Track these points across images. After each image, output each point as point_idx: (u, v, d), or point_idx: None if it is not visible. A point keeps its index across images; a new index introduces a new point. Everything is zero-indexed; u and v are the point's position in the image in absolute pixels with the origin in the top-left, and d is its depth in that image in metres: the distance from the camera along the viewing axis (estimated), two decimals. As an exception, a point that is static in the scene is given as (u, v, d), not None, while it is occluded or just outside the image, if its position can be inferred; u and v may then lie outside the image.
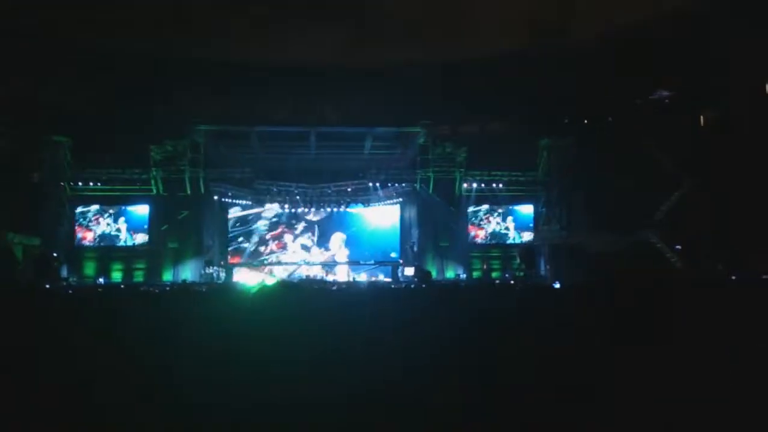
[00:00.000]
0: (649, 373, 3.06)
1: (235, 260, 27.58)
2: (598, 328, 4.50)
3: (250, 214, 27.99)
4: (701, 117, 22.02)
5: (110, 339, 4.53)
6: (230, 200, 27.34)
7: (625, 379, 3.06)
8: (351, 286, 19.58)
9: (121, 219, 26.15)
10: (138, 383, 3.16)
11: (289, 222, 28.27)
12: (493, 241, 27.43)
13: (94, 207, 25.98)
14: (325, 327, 4.45)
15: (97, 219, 25.99)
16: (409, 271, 25.27)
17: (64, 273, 24.44)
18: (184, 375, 3.27)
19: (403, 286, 18.63)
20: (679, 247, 22.29)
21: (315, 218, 28.32)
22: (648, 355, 3.35)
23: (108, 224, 26.08)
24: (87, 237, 26.00)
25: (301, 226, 28.25)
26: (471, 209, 27.21)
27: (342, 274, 27.26)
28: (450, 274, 26.07)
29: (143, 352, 3.93)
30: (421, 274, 19.86)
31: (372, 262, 27.85)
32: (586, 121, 25.05)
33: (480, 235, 27.48)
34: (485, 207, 27.29)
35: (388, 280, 26.29)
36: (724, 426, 2.56)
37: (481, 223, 27.44)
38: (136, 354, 3.88)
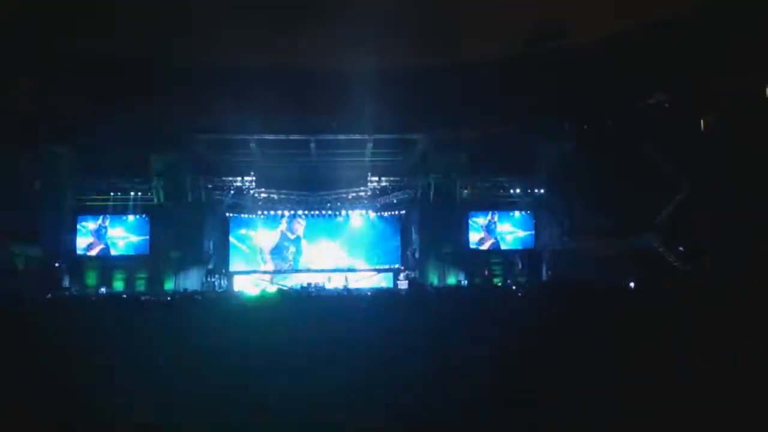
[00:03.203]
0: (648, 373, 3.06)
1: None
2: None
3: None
4: (701, 120, 21.99)
5: (111, 347, 4.53)
6: (231, 208, 27.38)
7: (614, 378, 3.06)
8: (351, 295, 19.58)
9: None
10: (138, 390, 3.16)
11: (289, 229, 28.36)
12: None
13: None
14: (323, 333, 4.45)
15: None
16: (404, 284, 25.19)
17: (66, 283, 24.39)
18: (186, 381, 3.26)
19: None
20: (681, 248, 22.22)
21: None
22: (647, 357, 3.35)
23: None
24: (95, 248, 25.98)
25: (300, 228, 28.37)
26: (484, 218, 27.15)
27: (339, 282, 27.21)
28: (451, 280, 26.00)
29: (144, 359, 3.92)
30: (415, 287, 19.83)
31: (373, 268, 27.84)
32: (586, 126, 25.03)
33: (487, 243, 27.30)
34: (495, 217, 27.19)
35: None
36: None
37: (489, 229, 27.27)
38: (136, 361, 3.87)
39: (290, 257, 28.20)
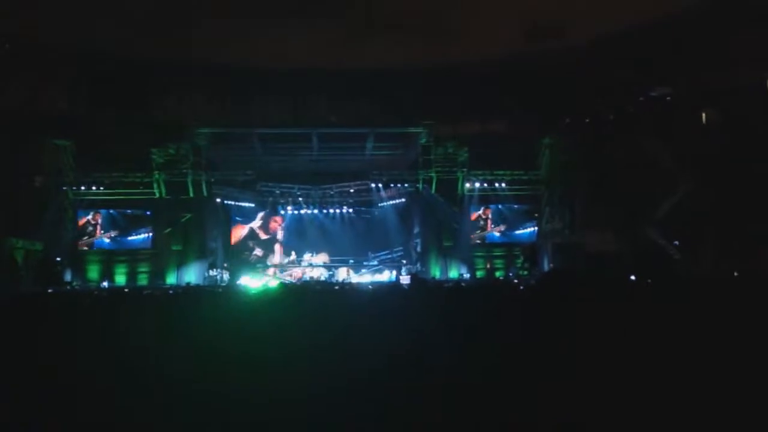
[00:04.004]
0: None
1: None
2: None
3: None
4: (702, 114, 21.95)
5: (113, 342, 4.54)
6: (233, 203, 27.38)
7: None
8: (353, 289, 19.55)
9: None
10: (140, 385, 3.17)
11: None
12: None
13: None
14: (326, 327, 4.45)
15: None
16: (406, 278, 25.17)
17: (68, 277, 24.42)
18: (188, 377, 3.27)
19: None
20: (682, 243, 22.20)
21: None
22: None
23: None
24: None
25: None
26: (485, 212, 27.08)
27: (342, 275, 27.25)
28: (453, 273, 25.99)
29: (146, 355, 3.93)
30: (417, 281, 19.80)
31: (375, 262, 27.83)
32: (587, 120, 24.99)
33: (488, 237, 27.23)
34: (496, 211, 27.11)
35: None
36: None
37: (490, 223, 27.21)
38: (138, 356, 3.88)
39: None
